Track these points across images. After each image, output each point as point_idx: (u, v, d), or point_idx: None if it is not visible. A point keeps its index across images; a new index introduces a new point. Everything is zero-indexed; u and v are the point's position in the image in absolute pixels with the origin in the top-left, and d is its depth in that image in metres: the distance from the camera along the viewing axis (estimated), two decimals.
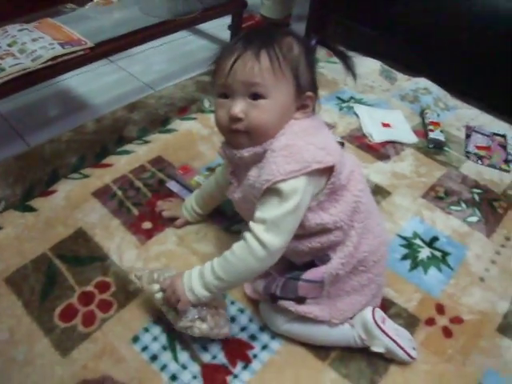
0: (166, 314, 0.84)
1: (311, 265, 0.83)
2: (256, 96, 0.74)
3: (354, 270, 0.84)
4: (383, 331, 0.86)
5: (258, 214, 0.75)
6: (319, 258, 0.82)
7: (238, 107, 0.74)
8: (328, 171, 0.75)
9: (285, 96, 0.75)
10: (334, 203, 0.79)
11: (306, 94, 0.77)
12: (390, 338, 0.86)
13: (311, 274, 0.82)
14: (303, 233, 0.79)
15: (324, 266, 0.81)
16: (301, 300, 0.84)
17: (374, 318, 0.87)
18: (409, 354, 0.87)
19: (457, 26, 1.57)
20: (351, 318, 0.88)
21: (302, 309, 0.84)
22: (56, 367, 0.81)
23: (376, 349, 0.86)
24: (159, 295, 0.82)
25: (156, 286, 0.83)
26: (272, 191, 0.73)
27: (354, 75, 0.81)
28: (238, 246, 0.76)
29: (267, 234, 0.73)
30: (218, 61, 0.77)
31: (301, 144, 0.74)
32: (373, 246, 0.85)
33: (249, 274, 0.79)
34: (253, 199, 0.78)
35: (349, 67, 0.80)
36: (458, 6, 1.57)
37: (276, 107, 0.74)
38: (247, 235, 0.75)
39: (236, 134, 0.77)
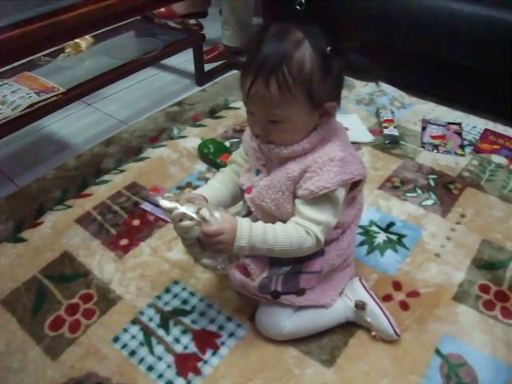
0: (188, 247, 0.83)
1: (300, 258, 0.89)
2: (272, 120, 0.78)
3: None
4: (371, 296, 0.96)
5: (315, 214, 0.81)
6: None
7: (258, 128, 0.81)
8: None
9: (300, 115, 0.78)
10: (346, 207, 0.90)
11: (325, 105, 0.79)
12: (378, 304, 0.95)
13: (311, 265, 0.90)
14: None
15: (321, 258, 0.90)
16: (302, 292, 0.92)
17: (362, 283, 0.99)
18: (394, 329, 0.94)
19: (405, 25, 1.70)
20: (340, 294, 0.98)
21: (303, 299, 0.93)
22: (47, 370, 0.92)
23: (365, 317, 0.94)
24: (195, 233, 0.78)
25: (189, 223, 0.78)
26: (326, 196, 0.80)
27: (377, 84, 0.86)
28: (302, 237, 0.81)
29: (321, 233, 0.82)
30: (242, 72, 0.79)
31: (348, 156, 0.83)
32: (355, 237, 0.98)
33: (291, 255, 0.85)
34: (284, 190, 0.83)
35: (365, 77, 0.85)
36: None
37: (293, 126, 0.79)
38: (310, 232, 0.81)
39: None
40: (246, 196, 0.90)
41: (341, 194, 0.83)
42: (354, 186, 0.87)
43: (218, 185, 0.95)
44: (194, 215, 0.77)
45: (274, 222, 0.86)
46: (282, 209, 0.86)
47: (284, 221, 0.85)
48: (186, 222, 0.78)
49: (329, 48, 0.75)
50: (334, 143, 0.82)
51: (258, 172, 0.89)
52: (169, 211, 0.78)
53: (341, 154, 0.81)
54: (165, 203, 0.78)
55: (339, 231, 0.92)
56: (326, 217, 0.82)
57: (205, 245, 0.81)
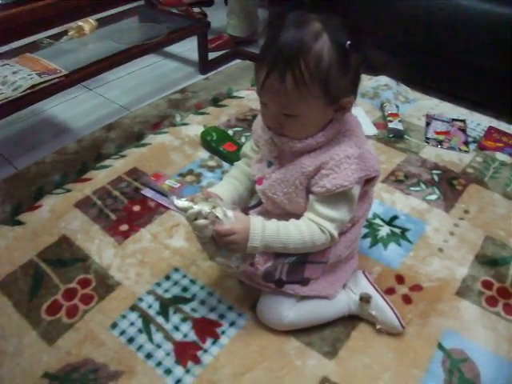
0: (203, 245, 0.84)
1: None
2: (286, 114, 0.76)
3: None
4: (376, 289, 0.95)
5: (330, 212, 0.80)
6: None
7: (271, 121, 0.79)
8: None
9: (315, 110, 0.76)
10: (359, 202, 0.86)
11: (341, 100, 0.77)
12: (382, 297, 0.94)
13: (317, 255, 0.89)
14: None
15: (328, 248, 0.88)
16: (306, 282, 0.91)
17: (366, 276, 0.98)
18: (400, 321, 0.93)
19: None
20: (344, 287, 0.97)
21: (307, 289, 0.91)
22: (43, 355, 0.90)
23: (369, 310, 0.93)
24: (209, 232, 0.79)
25: (204, 221, 0.78)
26: (342, 194, 0.79)
27: (397, 83, 0.83)
28: (316, 235, 0.81)
29: (336, 230, 0.82)
30: (257, 61, 0.76)
31: (365, 152, 0.82)
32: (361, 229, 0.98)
33: (305, 251, 0.85)
34: (297, 184, 0.82)
35: (384, 74, 0.81)
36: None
37: (307, 121, 0.77)
38: (324, 229, 0.80)
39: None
40: (257, 187, 0.89)
41: (356, 190, 0.82)
42: (368, 181, 0.86)
43: (232, 180, 0.95)
44: (208, 214, 0.78)
45: (285, 214, 0.85)
46: (294, 202, 0.84)
47: (295, 214, 0.84)
48: (201, 221, 0.78)
49: (348, 42, 0.72)
50: (350, 139, 0.81)
51: (269, 164, 0.87)
52: (184, 210, 0.79)
53: (358, 150, 0.80)
54: (179, 203, 0.79)
55: (349, 225, 0.90)
56: (340, 214, 0.82)
57: (219, 244, 0.81)
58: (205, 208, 0.78)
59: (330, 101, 0.75)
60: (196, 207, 0.78)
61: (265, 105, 0.78)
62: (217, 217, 0.78)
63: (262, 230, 0.79)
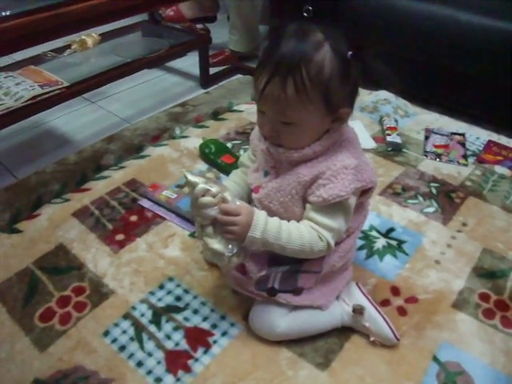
0: (201, 228, 0.82)
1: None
2: (284, 122, 0.77)
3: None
4: (369, 300, 0.94)
5: (327, 221, 0.81)
6: None
7: (268, 129, 0.80)
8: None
9: (314, 119, 0.77)
10: (354, 213, 0.87)
11: (339, 110, 0.78)
12: (376, 308, 0.93)
13: (311, 265, 0.89)
14: None
15: (322, 258, 0.88)
16: (299, 291, 0.90)
17: (359, 288, 0.97)
18: (394, 333, 0.91)
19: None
20: (337, 298, 0.96)
21: (300, 299, 0.91)
22: (34, 361, 0.90)
23: (363, 322, 0.92)
24: (213, 212, 0.79)
25: (211, 199, 0.79)
26: (339, 204, 0.80)
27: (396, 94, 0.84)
28: (315, 240, 0.81)
29: (333, 239, 0.83)
30: (257, 69, 0.77)
31: (362, 164, 0.82)
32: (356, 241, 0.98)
33: (301, 256, 0.85)
34: (293, 194, 0.83)
35: (385, 86, 0.84)
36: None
37: (305, 130, 0.78)
38: (322, 237, 0.81)
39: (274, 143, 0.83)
40: (254, 196, 0.90)
41: (353, 201, 0.82)
42: (364, 192, 0.86)
43: (232, 183, 0.97)
44: (217, 194, 0.79)
45: None
46: (289, 211, 0.85)
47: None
48: (208, 198, 0.78)
49: (350, 52, 0.74)
50: (348, 150, 0.82)
51: (266, 173, 0.88)
52: (193, 185, 0.79)
53: (355, 161, 0.80)
54: (191, 177, 0.79)
55: (344, 236, 0.90)
56: (337, 224, 0.82)
57: (218, 229, 0.80)
58: (214, 188, 0.79)
59: (328, 110, 0.77)
60: (206, 185, 0.78)
61: (263, 113, 0.79)
62: (225, 198, 0.79)
63: (265, 222, 0.80)
